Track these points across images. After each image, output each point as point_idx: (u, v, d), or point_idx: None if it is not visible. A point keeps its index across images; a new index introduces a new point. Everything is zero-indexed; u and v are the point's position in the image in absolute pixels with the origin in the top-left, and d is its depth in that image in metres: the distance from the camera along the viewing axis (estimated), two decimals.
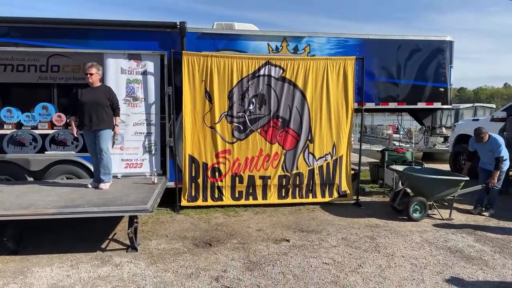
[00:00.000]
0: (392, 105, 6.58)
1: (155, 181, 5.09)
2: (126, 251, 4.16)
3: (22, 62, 6.22)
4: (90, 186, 4.82)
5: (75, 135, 4.89)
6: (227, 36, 5.92)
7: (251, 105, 5.88)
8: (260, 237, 4.67)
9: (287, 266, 3.82)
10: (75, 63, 6.17)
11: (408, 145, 12.28)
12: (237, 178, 5.95)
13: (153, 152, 5.66)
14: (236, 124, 5.87)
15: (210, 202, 5.89)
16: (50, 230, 4.70)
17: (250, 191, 6.02)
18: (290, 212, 5.79)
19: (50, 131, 5.57)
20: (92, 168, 5.13)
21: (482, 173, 5.90)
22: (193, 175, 5.82)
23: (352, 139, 7.07)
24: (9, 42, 5.28)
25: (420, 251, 4.26)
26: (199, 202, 5.85)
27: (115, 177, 5.21)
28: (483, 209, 5.77)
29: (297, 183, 6.11)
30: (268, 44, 5.99)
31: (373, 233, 4.83)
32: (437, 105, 6.70)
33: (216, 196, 5.92)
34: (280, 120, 5.98)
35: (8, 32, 5.35)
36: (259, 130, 5.94)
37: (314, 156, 6.11)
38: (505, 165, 5.64)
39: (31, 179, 5.43)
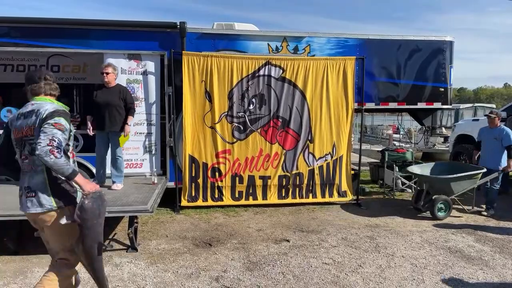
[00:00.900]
0: (392, 105, 6.59)
1: (155, 181, 5.10)
2: (126, 251, 4.16)
3: (22, 62, 6.23)
4: None
5: (91, 134, 4.89)
6: (227, 36, 5.93)
7: (251, 105, 5.88)
8: (260, 237, 4.67)
9: (287, 266, 3.82)
10: (75, 63, 6.18)
11: (408, 145, 12.28)
12: (237, 178, 5.95)
13: (153, 152, 5.66)
14: (236, 124, 5.87)
15: (210, 202, 5.89)
16: None
17: (250, 191, 6.02)
18: (290, 212, 5.79)
19: None
20: (93, 169, 5.12)
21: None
22: (193, 175, 5.82)
23: (352, 139, 7.07)
24: (9, 42, 5.28)
25: (420, 251, 4.26)
26: (199, 202, 5.85)
27: None
28: (483, 209, 5.77)
29: (297, 183, 6.11)
30: (268, 44, 5.99)
31: (373, 233, 4.83)
32: (437, 105, 6.70)
33: (216, 196, 5.92)
34: (280, 120, 5.98)
35: (8, 32, 5.35)
36: (259, 130, 5.94)
37: (314, 156, 6.11)
38: None
39: None
